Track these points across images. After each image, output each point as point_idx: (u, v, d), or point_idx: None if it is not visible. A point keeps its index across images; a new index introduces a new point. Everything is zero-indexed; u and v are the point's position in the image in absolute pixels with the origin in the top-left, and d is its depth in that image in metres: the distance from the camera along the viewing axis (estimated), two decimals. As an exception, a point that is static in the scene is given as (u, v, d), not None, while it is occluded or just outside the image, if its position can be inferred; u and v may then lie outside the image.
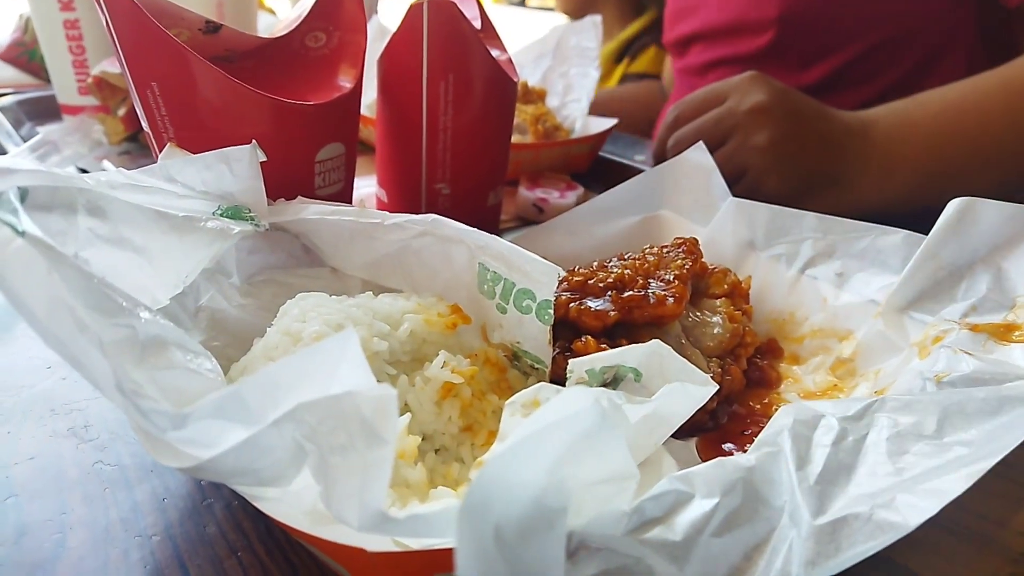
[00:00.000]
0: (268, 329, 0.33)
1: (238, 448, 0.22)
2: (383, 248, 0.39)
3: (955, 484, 0.24)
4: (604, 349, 0.34)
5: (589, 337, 0.35)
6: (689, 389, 0.28)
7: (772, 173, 0.62)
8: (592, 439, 0.20)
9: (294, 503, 0.24)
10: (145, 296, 0.32)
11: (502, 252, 0.35)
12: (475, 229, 0.37)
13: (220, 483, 0.31)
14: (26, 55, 1.01)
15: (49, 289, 0.24)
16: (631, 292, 0.37)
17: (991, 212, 0.35)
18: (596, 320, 0.36)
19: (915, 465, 0.25)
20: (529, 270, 0.34)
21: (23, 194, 0.28)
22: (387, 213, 0.39)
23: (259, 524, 0.30)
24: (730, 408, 0.38)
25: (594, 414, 0.20)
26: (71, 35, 0.75)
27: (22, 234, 0.24)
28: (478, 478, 0.18)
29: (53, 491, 0.31)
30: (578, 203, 0.64)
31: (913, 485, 0.24)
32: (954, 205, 0.36)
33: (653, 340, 0.30)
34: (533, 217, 0.66)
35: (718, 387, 0.34)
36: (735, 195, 0.47)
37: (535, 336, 0.35)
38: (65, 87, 0.78)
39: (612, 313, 0.36)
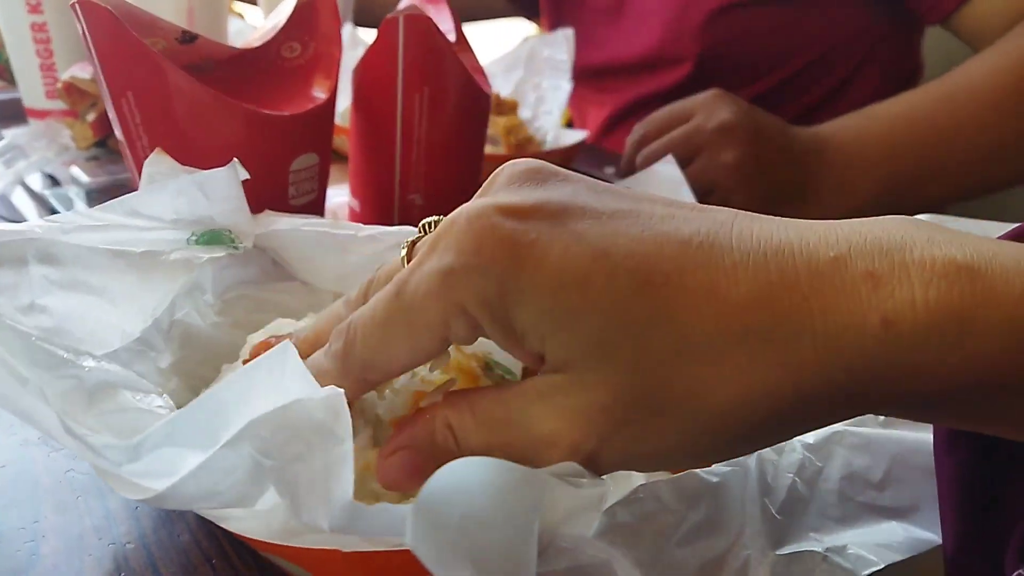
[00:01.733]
0: (241, 359, 0.33)
1: (196, 473, 0.22)
2: (356, 260, 0.39)
3: (893, 552, 0.25)
4: None
5: None
6: None
7: (740, 190, 0.64)
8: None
9: (264, 521, 0.25)
10: (111, 335, 0.32)
11: None
12: None
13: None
14: (-10, 57, 1.00)
15: None
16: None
17: (954, 226, 0.37)
18: None
19: (857, 517, 0.26)
20: None
21: None
22: (361, 225, 0.39)
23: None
24: None
25: None
26: (39, 38, 0.75)
27: None
28: (443, 468, 0.19)
29: (25, 499, 0.31)
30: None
31: (861, 537, 0.26)
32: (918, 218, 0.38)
33: None
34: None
35: None
36: None
37: None
38: (32, 91, 0.77)
39: None
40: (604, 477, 0.23)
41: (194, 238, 0.36)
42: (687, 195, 0.49)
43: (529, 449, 0.21)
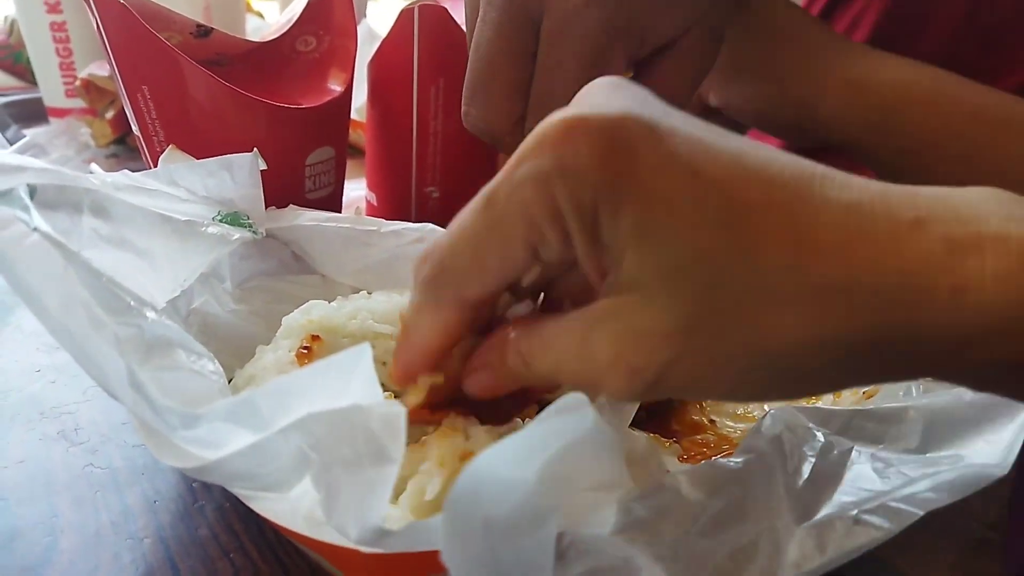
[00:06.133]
0: (281, 342, 0.33)
1: (245, 452, 0.22)
2: (377, 255, 0.39)
3: (941, 495, 0.24)
4: None
5: None
6: None
7: None
8: (586, 444, 0.20)
9: (290, 506, 0.25)
10: (147, 297, 0.32)
11: None
12: None
13: (211, 485, 0.32)
14: (11, 57, 1.01)
15: (64, 285, 0.24)
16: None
17: None
18: None
19: (900, 479, 0.25)
20: None
21: (32, 191, 0.28)
22: (383, 220, 0.39)
23: (251, 526, 0.30)
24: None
25: (589, 419, 0.20)
26: (58, 37, 0.75)
27: (34, 230, 0.25)
28: (467, 469, 0.18)
29: (43, 494, 0.31)
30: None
31: (900, 491, 0.24)
32: None
33: None
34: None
35: None
36: None
37: None
38: (52, 90, 0.78)
39: None
40: (627, 475, 0.22)
41: (219, 216, 0.37)
42: None
43: (592, 373, 0.21)
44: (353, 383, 0.21)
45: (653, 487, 0.23)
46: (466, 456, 0.25)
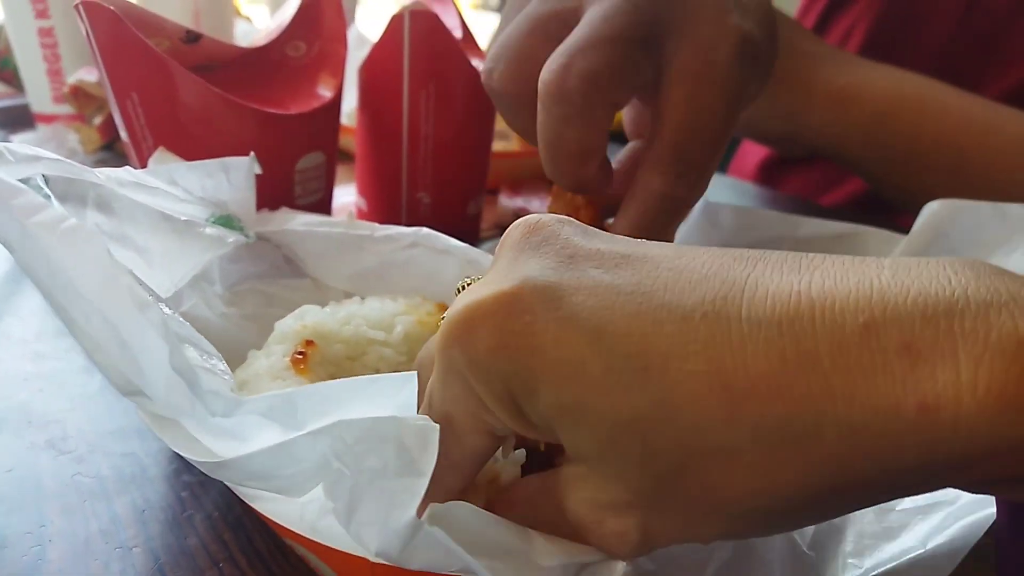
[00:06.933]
0: (274, 347, 0.32)
1: (268, 452, 0.21)
2: (370, 260, 0.39)
3: (945, 564, 0.23)
4: None
5: None
6: None
7: None
8: None
9: (297, 509, 0.24)
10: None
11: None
12: (466, 244, 0.37)
13: (201, 495, 0.31)
14: (-1, 63, 1.00)
15: (107, 267, 0.24)
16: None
17: (969, 213, 0.36)
18: None
19: (902, 525, 0.25)
20: None
21: (46, 181, 0.28)
22: (377, 224, 0.39)
23: (240, 536, 0.30)
24: None
25: None
26: (46, 43, 0.75)
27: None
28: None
29: (31, 503, 0.30)
30: (558, 212, 0.64)
31: (908, 545, 0.24)
32: (930, 208, 0.37)
33: None
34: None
35: None
36: None
37: None
38: (39, 95, 0.78)
39: None
40: None
41: (212, 218, 0.37)
42: None
43: (585, 539, 0.21)
44: (392, 404, 0.22)
45: None
46: (495, 479, 0.24)
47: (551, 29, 0.34)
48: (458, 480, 0.22)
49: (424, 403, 0.22)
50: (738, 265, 0.19)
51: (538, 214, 0.22)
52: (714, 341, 0.17)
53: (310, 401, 0.22)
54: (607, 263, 0.19)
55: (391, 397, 0.22)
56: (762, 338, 0.17)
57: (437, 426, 0.20)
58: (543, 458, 0.26)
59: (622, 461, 0.18)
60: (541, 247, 0.21)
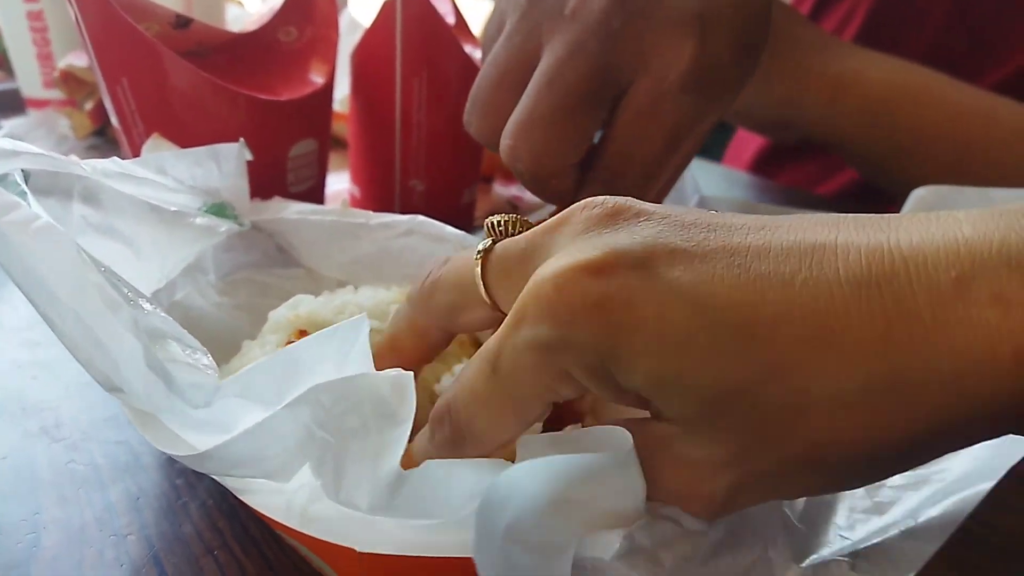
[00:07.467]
0: (268, 336, 0.32)
1: (251, 432, 0.21)
2: (364, 248, 0.39)
3: (935, 536, 0.23)
4: None
5: None
6: None
7: None
8: (616, 476, 0.20)
9: (285, 500, 0.24)
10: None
11: None
12: (462, 232, 0.37)
13: (195, 483, 0.31)
14: (-12, 47, 0.99)
15: (79, 269, 0.24)
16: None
17: (955, 198, 0.36)
18: None
19: (893, 500, 0.25)
20: None
21: (26, 177, 0.28)
22: (371, 212, 0.39)
23: (235, 523, 0.30)
24: None
25: (625, 454, 0.20)
26: (35, 27, 0.74)
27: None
28: (499, 479, 0.19)
29: (26, 491, 0.30)
30: (551, 199, 0.64)
31: (894, 529, 0.24)
32: (917, 194, 0.37)
33: None
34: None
35: None
36: None
37: None
38: (30, 80, 0.77)
39: None
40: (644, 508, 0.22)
41: (205, 207, 0.36)
42: (690, 179, 0.48)
43: (667, 498, 0.21)
44: (351, 356, 0.22)
45: (654, 517, 0.23)
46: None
47: (516, 79, 0.35)
48: (496, 443, 0.23)
49: (483, 364, 0.22)
50: (822, 229, 0.19)
51: (603, 196, 0.22)
52: (817, 305, 0.18)
53: (280, 369, 0.22)
54: (695, 235, 0.20)
55: (348, 349, 0.22)
56: (864, 299, 0.17)
57: (411, 374, 0.21)
58: (552, 415, 0.26)
59: (726, 423, 0.19)
60: (626, 222, 0.21)
